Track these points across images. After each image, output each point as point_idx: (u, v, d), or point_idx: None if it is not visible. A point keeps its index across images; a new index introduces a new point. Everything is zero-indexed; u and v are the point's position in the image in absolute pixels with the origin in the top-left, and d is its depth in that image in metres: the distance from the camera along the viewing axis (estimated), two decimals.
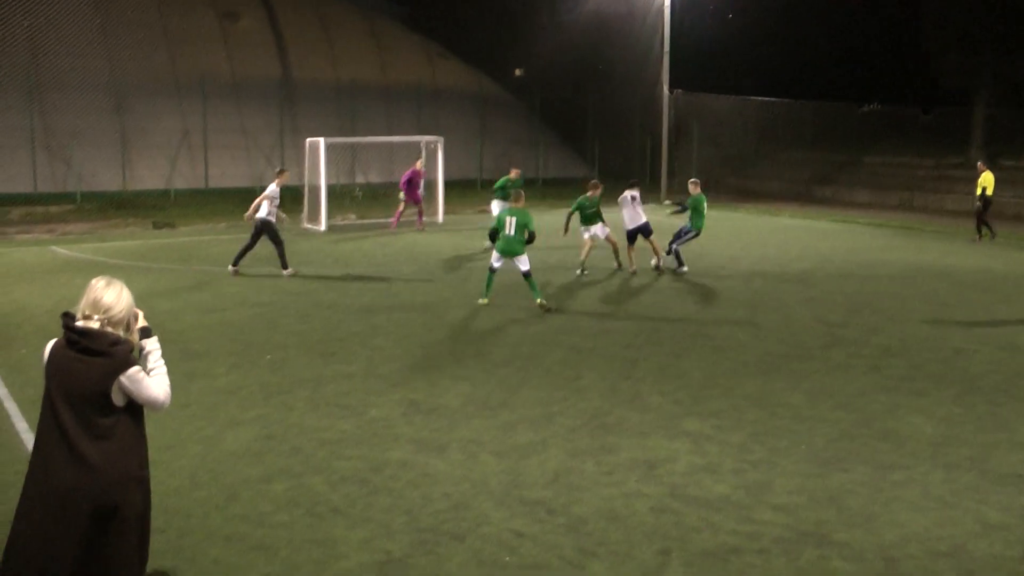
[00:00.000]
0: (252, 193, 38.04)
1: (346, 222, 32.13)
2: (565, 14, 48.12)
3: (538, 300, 17.32)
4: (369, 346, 14.55)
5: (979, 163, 29.69)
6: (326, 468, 9.43)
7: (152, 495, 8.14)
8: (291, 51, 44.48)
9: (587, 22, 47.26)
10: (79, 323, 5.74)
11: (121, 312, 5.87)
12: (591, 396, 11.98)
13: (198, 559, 7.48)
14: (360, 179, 39.77)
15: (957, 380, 13.00)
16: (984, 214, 28.71)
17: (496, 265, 17.60)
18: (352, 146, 38.10)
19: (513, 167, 27.65)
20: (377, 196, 35.88)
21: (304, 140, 32.81)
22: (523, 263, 17.33)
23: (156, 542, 7.64)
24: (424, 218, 30.43)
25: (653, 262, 22.09)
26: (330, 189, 31.08)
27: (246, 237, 21.30)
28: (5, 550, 5.88)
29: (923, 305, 18.32)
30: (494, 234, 17.54)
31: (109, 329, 5.78)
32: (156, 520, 7.93)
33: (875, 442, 10.38)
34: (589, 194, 22.05)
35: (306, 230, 29.79)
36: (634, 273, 21.61)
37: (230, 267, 20.95)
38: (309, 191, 31.42)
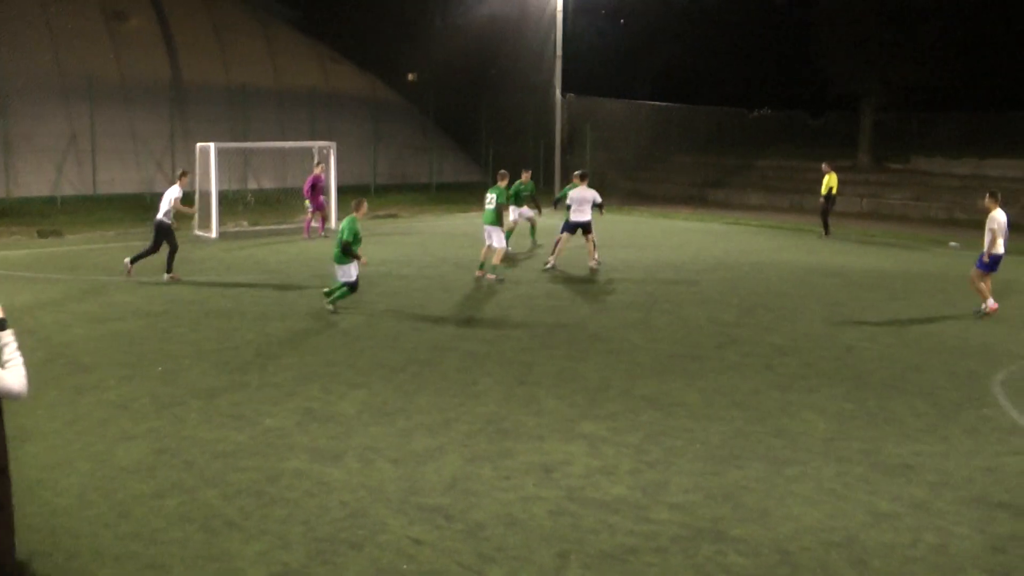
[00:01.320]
0: (142, 199, 37.55)
1: (238, 229, 31.67)
2: (458, 18, 48.14)
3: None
4: (263, 354, 14.36)
5: (824, 164, 30.64)
6: (221, 481, 9.27)
7: (38, 516, 7.95)
8: (181, 53, 43.66)
9: (480, 26, 47.37)
10: None
11: None
12: (488, 401, 11.98)
13: None
14: (252, 185, 39.26)
15: (848, 376, 13.33)
16: (828, 213, 30.33)
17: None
18: (244, 151, 37.56)
19: (523, 171, 27.64)
20: (270, 202, 35.48)
21: (195, 145, 32.26)
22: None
23: (43, 566, 7.47)
24: (318, 227, 29.96)
25: (592, 264, 22.82)
26: (222, 195, 30.61)
27: (139, 245, 20.92)
28: None
29: (815, 304, 18.70)
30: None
31: None
32: (42, 542, 7.78)
33: (769, 439, 10.59)
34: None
35: (198, 237, 29.29)
36: (551, 267, 22.44)
37: (126, 260, 20.97)
38: (200, 197, 30.87)
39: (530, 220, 27.14)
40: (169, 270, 20.61)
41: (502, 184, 22.35)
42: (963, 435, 10.99)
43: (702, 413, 11.52)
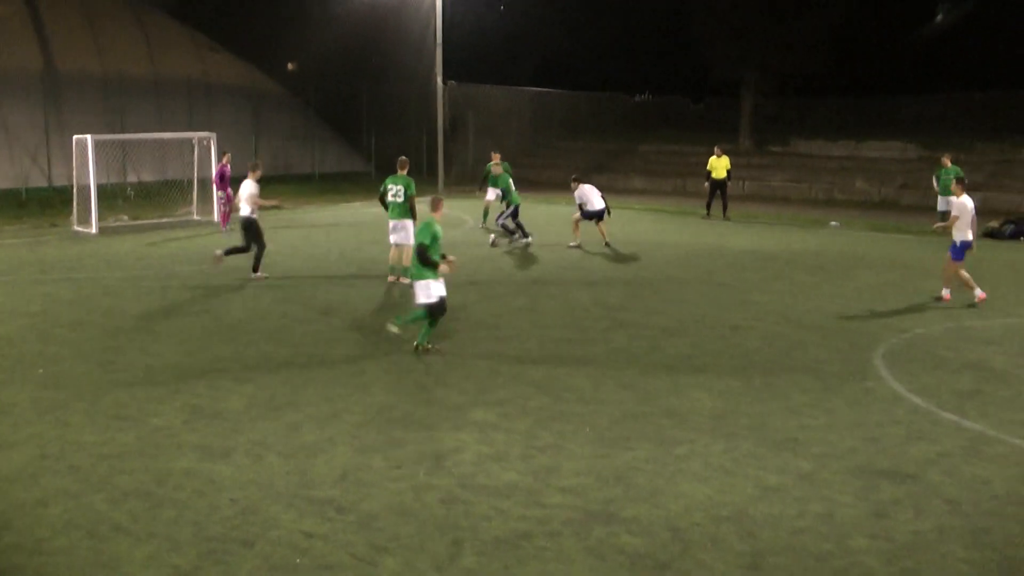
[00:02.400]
0: (16, 195, 36.52)
1: (119, 223, 31.00)
2: (337, 6, 47.60)
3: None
4: (148, 352, 14.11)
5: (716, 148, 31.70)
6: (107, 484, 9.09)
7: None
8: (53, 41, 42.46)
9: (360, 14, 46.86)
10: None
11: None
12: (376, 391, 11.96)
13: None
14: (132, 178, 38.43)
15: (735, 355, 13.64)
16: (712, 195, 31.76)
17: None
18: (122, 143, 36.74)
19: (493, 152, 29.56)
20: (150, 195, 34.76)
21: (71, 137, 31.47)
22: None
23: None
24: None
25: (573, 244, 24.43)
26: (100, 189, 29.91)
27: (13, 243, 20.31)
28: None
29: (700, 286, 19.05)
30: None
31: None
32: None
33: (658, 419, 10.78)
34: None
35: (77, 233, 28.61)
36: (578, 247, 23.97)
37: (218, 251, 20.20)
38: (78, 191, 30.18)
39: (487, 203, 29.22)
40: (256, 270, 20.02)
41: (403, 172, 19.42)
42: (847, 407, 11.38)
43: (591, 396, 11.66)
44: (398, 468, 9.32)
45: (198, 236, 27.54)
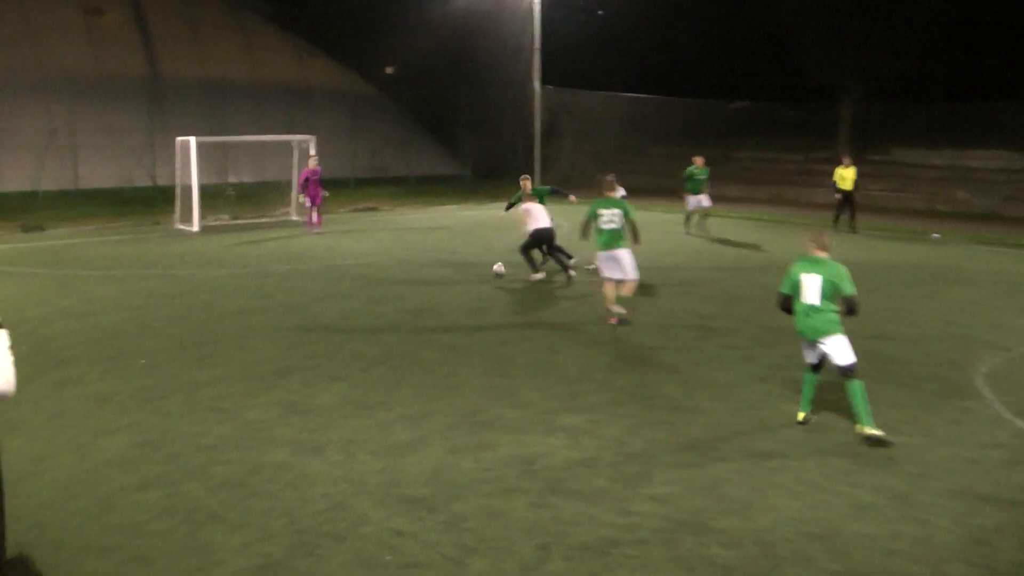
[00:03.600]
0: (121, 193, 37.47)
1: (219, 222, 31.62)
2: (435, 11, 47.94)
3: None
4: (244, 348, 14.38)
5: (844, 157, 30.60)
6: (203, 473, 9.31)
7: (23, 508, 8.01)
8: (159, 48, 43.54)
9: (457, 19, 47.16)
10: None
11: None
12: (467, 393, 12.02)
13: (74, 572, 7.34)
14: (232, 178, 39.19)
15: (828, 369, 13.26)
16: (841, 207, 30.27)
17: None
18: (223, 145, 37.52)
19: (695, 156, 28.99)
20: (250, 196, 35.39)
21: (174, 139, 32.19)
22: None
23: (30, 556, 7.48)
24: (316, 221, 29.55)
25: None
26: (202, 189, 30.55)
27: (118, 240, 20.82)
28: None
29: None
30: None
31: None
32: (28, 534, 7.82)
33: (750, 430, 10.64)
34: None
35: (178, 231, 29.25)
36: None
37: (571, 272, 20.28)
38: (180, 191, 30.87)
39: (705, 209, 28.71)
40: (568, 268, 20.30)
41: (613, 194, 16.72)
42: (945, 427, 10.97)
43: (681, 405, 11.58)
44: (488, 470, 9.36)
45: (295, 236, 27.96)
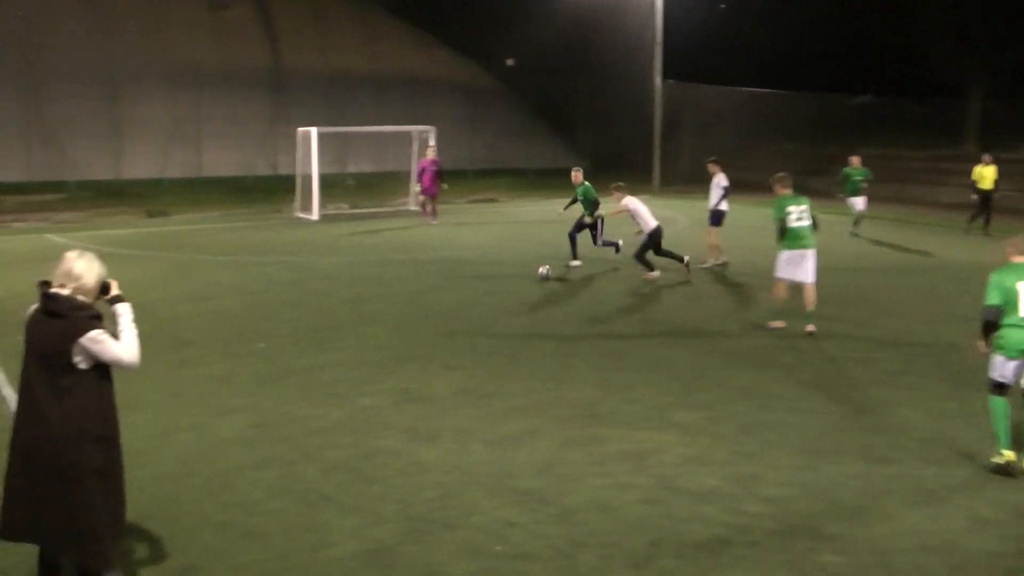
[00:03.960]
0: (243, 182, 38.31)
1: (338, 211, 32.07)
2: (557, 3, 47.89)
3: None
4: (361, 335, 14.55)
5: (985, 155, 29.25)
6: (317, 456, 9.43)
7: (145, 481, 8.22)
8: (282, 40, 44.33)
9: (579, 10, 47.01)
10: (52, 290, 6.26)
11: (91, 280, 6.33)
12: (582, 387, 11.98)
13: (190, 545, 7.49)
14: (352, 168, 39.73)
15: (950, 375, 12.91)
16: (979, 208, 28.78)
17: None
18: (343, 135, 38.02)
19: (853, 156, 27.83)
20: (369, 185, 35.84)
21: (295, 129, 32.76)
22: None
23: (149, 528, 7.70)
24: (436, 212, 29.55)
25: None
26: (322, 178, 31.02)
27: (241, 226, 21.24)
28: (2, 506, 6.35)
29: (917, 298, 18.33)
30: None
31: (79, 296, 6.25)
32: (148, 506, 8.03)
33: (867, 435, 10.35)
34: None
35: (298, 219, 29.74)
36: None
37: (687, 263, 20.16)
38: (301, 180, 31.38)
39: (859, 213, 27.39)
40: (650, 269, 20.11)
41: (786, 191, 15.73)
42: None
43: (798, 406, 11.34)
44: (600, 464, 9.30)
45: (413, 226, 28.21)
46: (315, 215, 29.97)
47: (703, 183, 26.93)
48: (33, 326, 6.30)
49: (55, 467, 6.11)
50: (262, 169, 41.13)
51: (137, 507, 8.06)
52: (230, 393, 11.56)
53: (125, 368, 6.33)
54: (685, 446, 9.87)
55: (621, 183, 20.41)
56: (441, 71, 48.15)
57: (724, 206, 21.94)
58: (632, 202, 19.77)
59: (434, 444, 9.82)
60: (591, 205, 21.01)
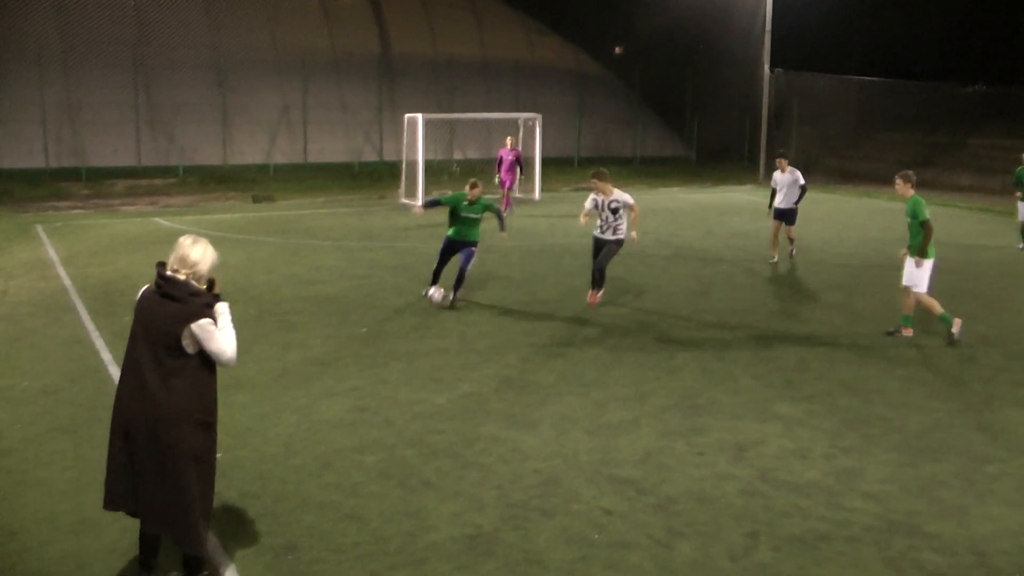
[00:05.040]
0: (349, 168, 38.81)
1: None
2: None
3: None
4: (464, 321, 14.68)
5: None
6: (418, 441, 9.57)
7: (249, 460, 8.43)
8: (391, 28, 44.80)
9: None
10: (168, 273, 6.47)
11: (206, 267, 6.58)
12: (683, 376, 11.96)
13: (292, 525, 7.67)
14: (458, 155, 40.00)
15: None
16: None
17: None
18: (450, 122, 38.31)
19: None
20: (475, 172, 36.01)
21: (402, 116, 33.06)
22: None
23: (251, 506, 7.91)
24: (511, 203, 28.70)
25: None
26: (427, 164, 31.27)
27: (346, 212, 21.54)
28: (106, 479, 6.61)
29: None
30: None
31: (193, 281, 6.49)
32: (252, 484, 8.24)
33: (969, 433, 10.17)
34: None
35: (403, 205, 30.02)
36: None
37: None
38: (406, 166, 31.67)
39: None
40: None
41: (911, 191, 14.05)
42: None
43: (900, 401, 11.19)
44: (700, 455, 9.30)
45: (518, 214, 28.24)
46: (420, 201, 30.24)
47: (812, 173, 26.53)
48: (146, 306, 6.48)
49: (156, 446, 6.32)
50: (368, 155, 41.65)
51: (241, 485, 8.34)
52: (333, 376, 11.77)
53: (223, 363, 6.53)
54: (785, 438, 9.81)
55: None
56: (549, 58, 48.22)
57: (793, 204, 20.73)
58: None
59: (534, 431, 9.89)
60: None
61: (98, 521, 7.65)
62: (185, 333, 6.33)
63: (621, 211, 15.94)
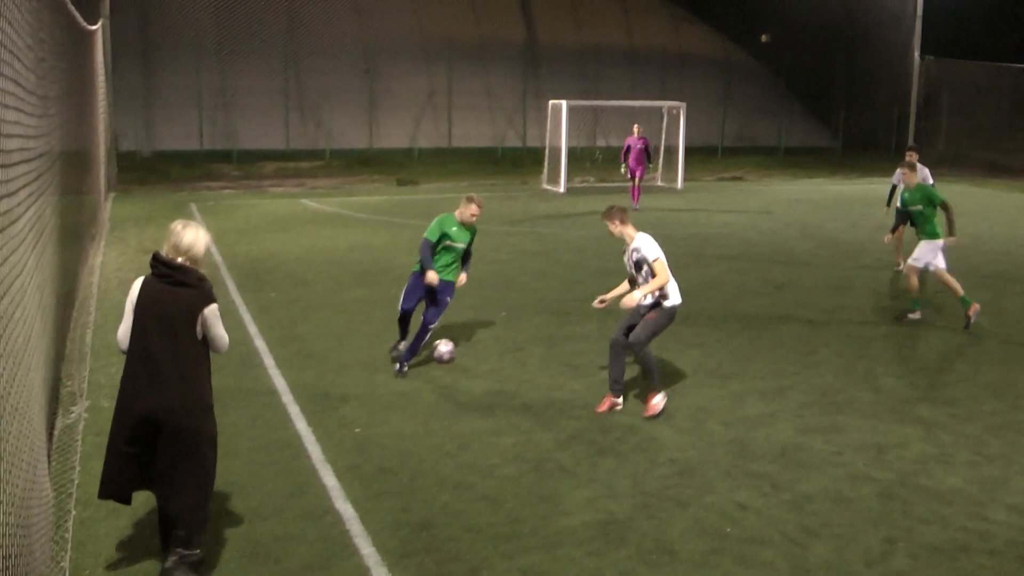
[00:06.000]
0: (493, 153, 39.13)
1: (584, 184, 32.34)
2: None
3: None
4: (604, 309, 14.65)
5: None
6: (554, 426, 9.64)
7: (389, 437, 8.63)
8: (536, 15, 44.96)
9: None
10: (174, 261, 6.42)
11: (200, 250, 6.52)
12: (824, 372, 11.78)
13: (428, 502, 7.82)
14: (601, 142, 39.97)
15: None
16: None
17: None
18: (594, 109, 38.29)
19: None
20: (617, 159, 35.94)
21: (546, 102, 33.18)
22: None
23: (389, 482, 8.11)
24: (639, 194, 27.58)
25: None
26: (570, 151, 31.32)
27: (489, 196, 21.69)
28: (103, 469, 6.60)
29: None
30: None
31: (197, 267, 6.48)
32: (390, 461, 8.48)
33: None
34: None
35: (545, 191, 30.14)
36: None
37: None
38: (549, 152, 31.78)
39: None
40: None
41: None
42: None
43: None
44: (838, 454, 9.15)
45: (658, 202, 28.10)
46: (562, 187, 30.33)
47: (960, 166, 25.76)
48: (156, 297, 6.38)
49: (179, 435, 6.37)
50: (511, 141, 41.93)
51: (379, 461, 8.60)
52: (472, 359, 11.92)
53: (220, 350, 6.63)
54: (927, 442, 9.57)
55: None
56: (694, 46, 47.80)
57: None
58: None
59: (671, 422, 9.88)
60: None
61: (243, 485, 8.00)
62: (199, 319, 6.39)
63: (647, 267, 10.83)
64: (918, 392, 11.17)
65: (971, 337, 13.79)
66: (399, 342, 11.79)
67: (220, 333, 6.51)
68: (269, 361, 11.73)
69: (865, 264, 19.16)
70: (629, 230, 10.98)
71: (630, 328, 10.37)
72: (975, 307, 14.20)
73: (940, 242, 14.38)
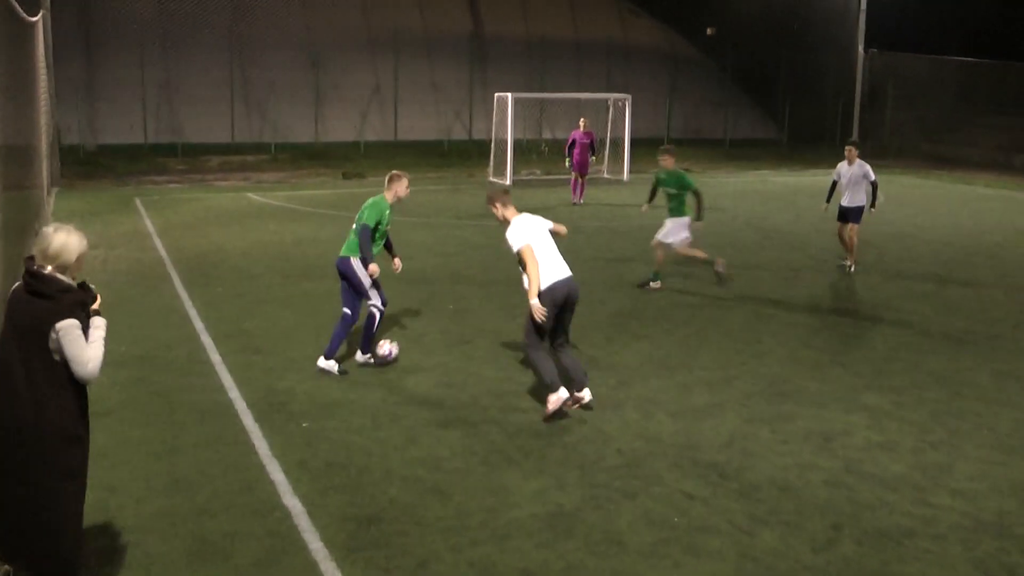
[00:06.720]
0: (439, 146, 39.05)
1: (531, 176, 32.33)
2: None
3: None
4: None
5: None
6: (502, 419, 9.63)
7: (336, 432, 8.54)
8: (483, 7, 44.90)
9: None
10: (35, 268, 5.70)
11: (71, 257, 5.70)
12: (770, 362, 11.86)
13: (376, 497, 7.78)
14: (547, 135, 39.98)
15: None
16: None
17: None
18: (540, 101, 38.31)
19: None
20: (563, 152, 36.02)
21: (492, 95, 33.13)
22: None
23: (336, 477, 8.05)
24: (583, 193, 26.94)
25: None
26: (517, 144, 31.31)
27: (436, 189, 21.67)
28: None
29: None
30: None
31: (61, 276, 5.69)
32: (337, 455, 8.45)
33: None
34: None
35: (492, 184, 30.11)
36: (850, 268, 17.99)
37: None
38: (495, 145, 31.75)
39: None
40: None
41: None
42: None
43: (993, 397, 10.92)
44: (785, 443, 9.22)
45: (606, 195, 28.15)
46: (508, 180, 30.29)
47: (905, 158, 26.06)
48: (15, 306, 5.72)
49: (27, 466, 5.64)
50: (458, 133, 41.84)
51: (327, 456, 8.56)
52: (420, 353, 11.88)
53: (80, 374, 5.66)
54: (872, 430, 9.67)
55: None
56: (640, 39, 47.92)
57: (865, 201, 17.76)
58: None
59: (618, 413, 9.90)
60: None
61: (191, 482, 7.92)
62: (51, 334, 5.57)
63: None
64: (863, 380, 11.27)
65: (915, 326, 13.93)
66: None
67: (76, 354, 5.58)
68: (216, 357, 11.63)
69: (810, 255, 19.32)
70: (509, 213, 10.53)
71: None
72: (720, 261, 16.14)
73: (686, 219, 15.80)
